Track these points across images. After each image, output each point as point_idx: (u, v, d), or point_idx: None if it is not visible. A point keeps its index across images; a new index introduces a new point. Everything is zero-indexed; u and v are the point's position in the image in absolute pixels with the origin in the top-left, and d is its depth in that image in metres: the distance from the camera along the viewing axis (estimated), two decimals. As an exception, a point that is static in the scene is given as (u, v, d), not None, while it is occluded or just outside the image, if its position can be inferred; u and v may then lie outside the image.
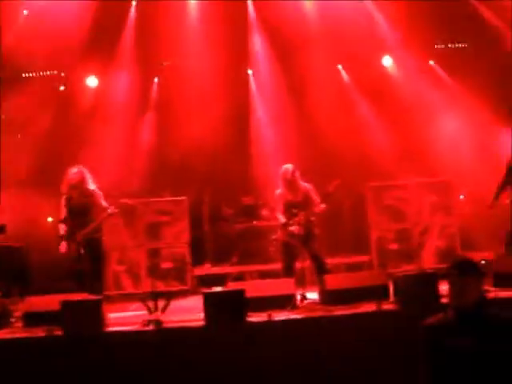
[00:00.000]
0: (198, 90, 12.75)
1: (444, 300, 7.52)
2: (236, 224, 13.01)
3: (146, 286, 10.85)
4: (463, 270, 4.32)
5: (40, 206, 12.09)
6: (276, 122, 13.27)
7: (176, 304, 9.40)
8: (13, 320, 8.72)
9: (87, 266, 9.19)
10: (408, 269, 10.79)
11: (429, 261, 11.72)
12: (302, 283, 9.36)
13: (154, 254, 12.08)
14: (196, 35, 12.75)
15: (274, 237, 10.07)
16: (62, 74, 13.23)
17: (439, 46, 13.20)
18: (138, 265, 12.01)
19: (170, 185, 13.07)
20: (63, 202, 9.36)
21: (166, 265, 11.97)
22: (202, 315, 7.91)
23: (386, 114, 13.04)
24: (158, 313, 8.21)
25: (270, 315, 7.84)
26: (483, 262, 8.64)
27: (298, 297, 8.95)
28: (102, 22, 12.25)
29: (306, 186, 9.67)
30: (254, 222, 12.98)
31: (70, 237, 9.26)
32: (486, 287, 7.14)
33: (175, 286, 11.70)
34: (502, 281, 8.36)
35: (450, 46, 12.73)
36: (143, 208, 12.11)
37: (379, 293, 8.31)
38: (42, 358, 7.44)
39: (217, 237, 13.32)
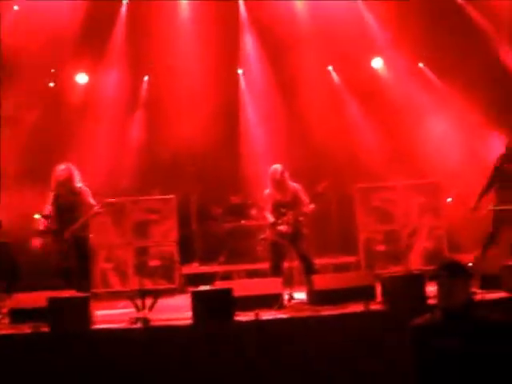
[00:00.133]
0: (188, 89, 12.72)
1: (431, 301, 7.55)
2: (224, 223, 13.01)
3: (134, 284, 10.84)
4: (452, 272, 4.36)
5: (28, 203, 12.03)
6: (266, 122, 13.27)
7: (163, 302, 9.39)
8: (-1, 316, 8.71)
9: (74, 264, 9.17)
10: (395, 270, 10.83)
11: (416, 262, 11.74)
12: (289, 283, 9.38)
13: (142, 252, 12.06)
14: (187, 34, 12.75)
15: (262, 236, 10.07)
16: (52, 71, 13.17)
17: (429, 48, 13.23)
18: (126, 263, 11.98)
19: (159, 183, 13.05)
20: (50, 198, 9.35)
21: (153, 263, 11.95)
22: (189, 314, 7.92)
23: (375, 115, 13.07)
24: (146, 311, 8.21)
25: (257, 314, 7.84)
26: (470, 264, 8.71)
27: (286, 296, 8.97)
28: (92, 19, 12.22)
29: (294, 186, 9.69)
30: (243, 222, 12.99)
31: (57, 233, 9.25)
32: (473, 289, 7.17)
33: (163, 285, 11.68)
34: (489, 283, 8.40)
35: (439, 48, 12.73)
36: (131, 206, 12.10)
37: (367, 293, 8.33)
38: (28, 354, 7.42)
39: (205, 235, 13.32)
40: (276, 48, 12.87)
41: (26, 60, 11.98)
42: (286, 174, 9.61)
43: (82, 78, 13.33)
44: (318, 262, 10.11)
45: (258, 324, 7.75)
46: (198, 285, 9.36)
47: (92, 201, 9.40)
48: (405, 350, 4.48)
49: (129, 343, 7.55)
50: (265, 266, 10.36)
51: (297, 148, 12.67)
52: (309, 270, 9.40)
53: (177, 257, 12.04)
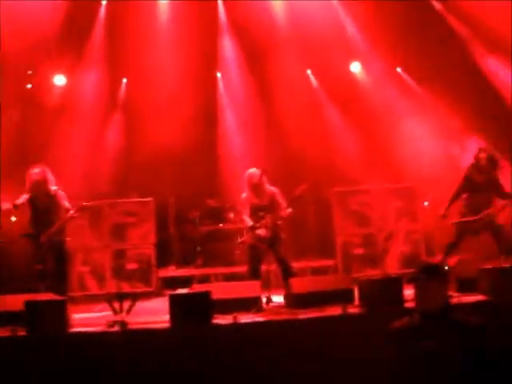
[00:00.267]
0: (166, 92, 12.71)
1: (408, 304, 7.60)
2: (202, 226, 12.98)
3: (111, 287, 10.81)
4: (430, 275, 4.40)
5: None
6: (244, 126, 13.29)
7: (141, 305, 9.34)
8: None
9: (51, 267, 9.12)
10: (373, 273, 10.87)
11: (393, 266, 11.81)
12: (267, 286, 9.39)
13: (120, 255, 12.02)
14: (165, 36, 12.73)
15: (240, 240, 10.07)
16: (29, 72, 13.08)
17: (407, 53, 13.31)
18: (103, 266, 11.94)
19: (137, 186, 13.00)
20: (24, 199, 9.25)
21: (131, 266, 11.92)
22: (167, 317, 7.90)
23: (353, 119, 13.14)
24: (123, 314, 8.18)
25: (235, 317, 7.84)
26: (447, 267, 8.78)
27: (264, 300, 8.97)
28: (71, 20, 12.14)
29: (272, 189, 9.69)
30: (220, 225, 12.97)
31: (33, 237, 9.21)
32: (450, 292, 7.22)
33: (140, 288, 11.64)
34: (466, 286, 8.46)
35: (417, 52, 12.82)
36: (109, 209, 12.06)
37: (344, 297, 8.35)
38: (5, 358, 7.35)
39: (182, 239, 13.29)
40: (255, 51, 12.90)
41: (3, 61, 11.89)
42: (264, 178, 9.60)
43: (59, 80, 13.26)
44: (295, 265, 10.12)
45: (236, 327, 7.75)
46: (175, 288, 9.35)
47: (67, 204, 9.33)
48: (383, 353, 4.50)
49: (106, 346, 7.50)
50: (242, 269, 10.36)
51: (274, 151, 12.71)
52: (287, 273, 9.40)
53: (154, 260, 12.01)
